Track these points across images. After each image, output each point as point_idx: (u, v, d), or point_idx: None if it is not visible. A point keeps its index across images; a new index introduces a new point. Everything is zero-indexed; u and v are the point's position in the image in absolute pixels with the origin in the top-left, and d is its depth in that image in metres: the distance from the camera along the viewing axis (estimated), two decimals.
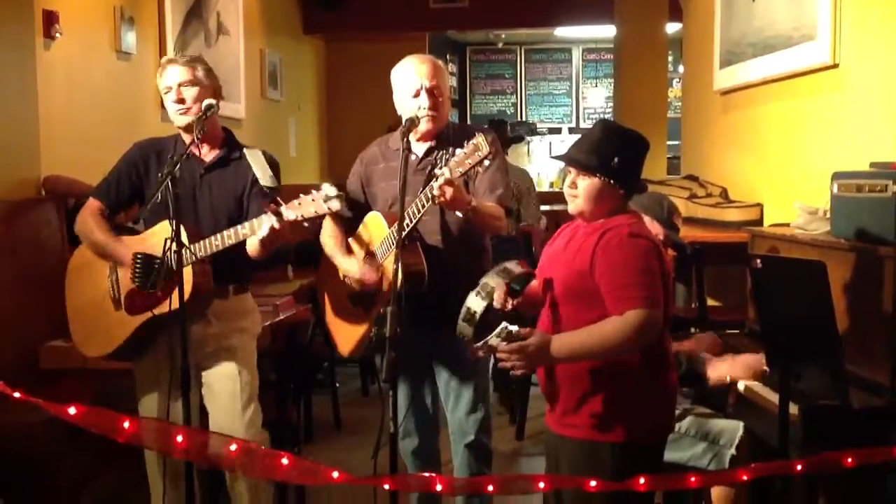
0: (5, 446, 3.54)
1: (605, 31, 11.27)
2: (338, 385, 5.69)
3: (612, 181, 2.56)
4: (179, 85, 3.16)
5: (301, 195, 2.86)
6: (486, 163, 2.78)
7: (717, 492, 3.08)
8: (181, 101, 3.16)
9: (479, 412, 3.31)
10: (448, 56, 12.14)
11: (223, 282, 3.18)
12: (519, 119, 12.70)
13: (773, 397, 2.69)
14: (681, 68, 10.42)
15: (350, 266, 3.24)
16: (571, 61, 13.04)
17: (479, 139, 2.79)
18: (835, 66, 3.71)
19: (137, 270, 2.97)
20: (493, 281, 2.58)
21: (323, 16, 9.25)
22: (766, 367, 2.88)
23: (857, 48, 3.60)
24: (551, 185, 11.76)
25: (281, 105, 8.47)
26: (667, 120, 8.32)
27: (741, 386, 2.90)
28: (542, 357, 2.50)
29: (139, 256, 2.98)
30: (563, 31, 11.91)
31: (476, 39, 12.71)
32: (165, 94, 3.20)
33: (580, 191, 2.59)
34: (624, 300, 2.45)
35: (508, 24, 10.51)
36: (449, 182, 2.82)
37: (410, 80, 3.21)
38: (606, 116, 12.66)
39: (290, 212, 2.83)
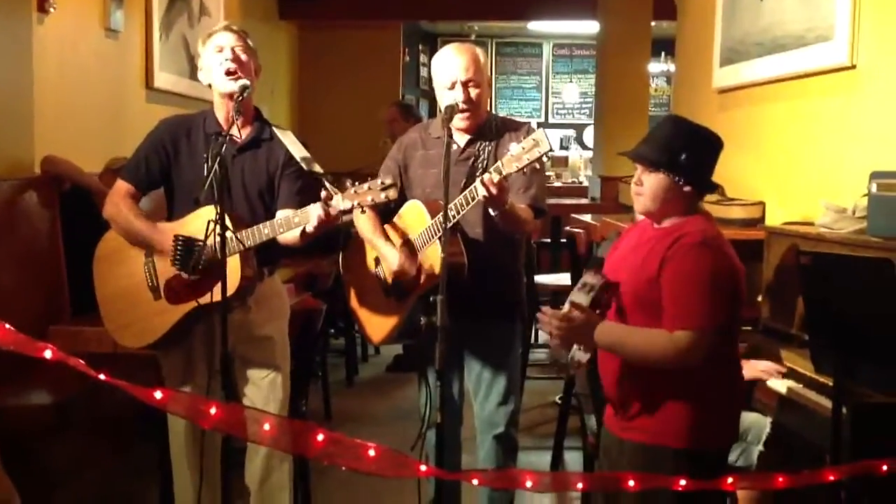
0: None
1: (577, 27, 11.32)
2: (320, 374, 5.60)
3: (679, 179, 2.50)
4: (233, 48, 3.06)
5: (357, 183, 2.80)
6: (545, 159, 2.75)
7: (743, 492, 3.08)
8: (237, 60, 3.04)
9: (510, 404, 3.28)
10: (420, 46, 12.07)
11: (259, 265, 3.09)
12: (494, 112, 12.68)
13: (815, 396, 2.71)
14: (652, 66, 10.51)
15: (391, 255, 3.17)
16: (542, 56, 13.05)
17: (540, 135, 2.74)
18: (852, 67, 3.72)
19: (178, 254, 2.88)
20: (580, 298, 2.50)
21: (298, 2, 9.14)
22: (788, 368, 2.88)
23: (876, 50, 3.61)
24: None
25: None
26: (647, 117, 8.36)
27: (782, 387, 2.90)
28: (584, 336, 2.47)
29: (180, 239, 2.89)
30: (535, 26, 11.91)
31: (449, 30, 12.66)
32: (216, 53, 3.06)
33: (646, 188, 2.54)
34: (678, 318, 2.41)
35: (487, 16, 10.49)
36: (503, 180, 2.79)
37: (447, 73, 3.16)
38: (581, 112, 12.74)
39: (348, 201, 2.77)
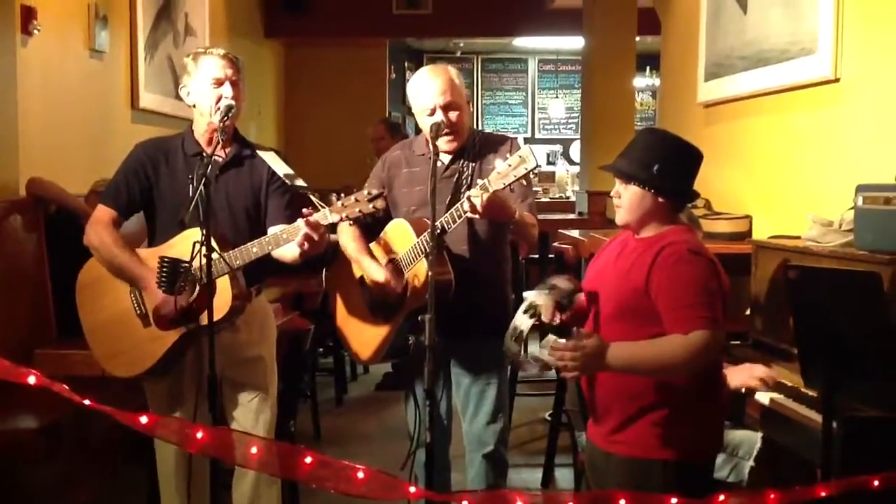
0: None
1: (563, 43, 11.36)
2: (309, 394, 5.57)
3: (652, 190, 2.52)
4: (231, 81, 3.05)
5: (343, 195, 2.79)
6: (532, 176, 2.76)
7: None
8: (235, 98, 3.04)
9: (499, 422, 3.27)
10: (406, 63, 12.08)
11: (248, 283, 3.07)
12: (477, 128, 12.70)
13: (805, 410, 2.70)
14: (638, 80, 10.56)
15: (376, 272, 3.16)
16: (527, 72, 13.09)
17: (526, 151, 2.75)
18: (836, 80, 3.74)
19: (163, 275, 2.86)
20: (540, 299, 2.51)
21: (284, 20, 9.15)
22: (779, 379, 2.88)
23: (859, 63, 3.63)
24: None
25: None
26: (633, 131, 8.38)
27: (765, 399, 2.90)
28: (598, 361, 2.41)
29: (165, 261, 2.86)
30: (520, 42, 11.95)
31: (434, 47, 12.67)
32: (211, 83, 3.05)
33: (623, 200, 2.56)
34: (688, 320, 2.40)
35: (472, 33, 10.51)
36: (492, 196, 2.79)
37: (424, 99, 3.17)
38: (567, 127, 12.78)
39: (335, 214, 2.76)
